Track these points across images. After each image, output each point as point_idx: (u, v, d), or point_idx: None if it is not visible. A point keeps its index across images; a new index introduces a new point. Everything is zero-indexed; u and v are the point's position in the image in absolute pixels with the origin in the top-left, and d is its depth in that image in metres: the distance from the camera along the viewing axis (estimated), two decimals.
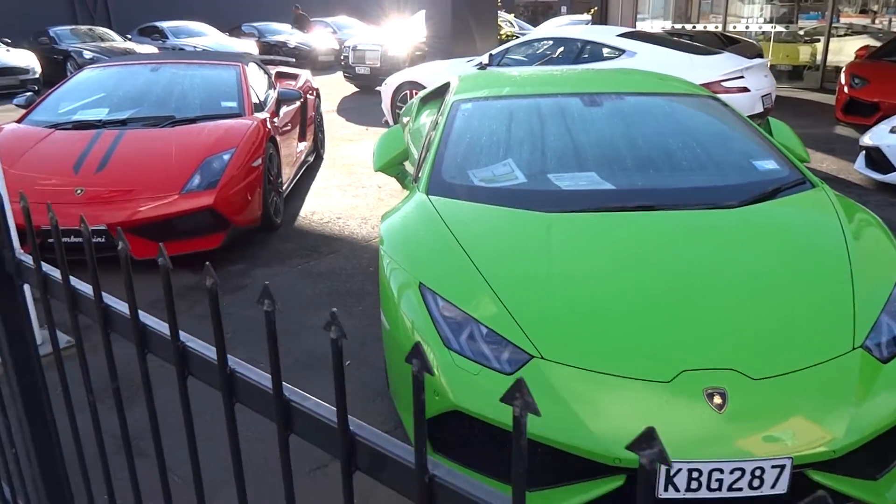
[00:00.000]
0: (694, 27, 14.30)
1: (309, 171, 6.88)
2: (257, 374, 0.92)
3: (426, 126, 4.67)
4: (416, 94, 7.81)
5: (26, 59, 13.54)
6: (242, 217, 4.58)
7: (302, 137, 6.61)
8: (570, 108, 3.56)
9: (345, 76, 12.99)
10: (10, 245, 1.39)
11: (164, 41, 16.56)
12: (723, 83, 6.89)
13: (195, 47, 15.62)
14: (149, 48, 15.52)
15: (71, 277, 1.22)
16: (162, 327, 1.05)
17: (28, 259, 1.37)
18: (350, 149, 7.95)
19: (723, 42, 10.90)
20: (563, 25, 15.51)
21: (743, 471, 1.87)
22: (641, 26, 14.41)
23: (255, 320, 3.71)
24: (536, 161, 3.24)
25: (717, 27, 13.78)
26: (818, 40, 12.48)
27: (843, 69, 8.45)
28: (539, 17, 27.35)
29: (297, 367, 3.22)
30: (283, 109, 5.92)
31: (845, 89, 8.09)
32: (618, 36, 7.90)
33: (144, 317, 1.08)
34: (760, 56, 9.75)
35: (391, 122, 9.01)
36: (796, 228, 2.79)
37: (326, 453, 0.88)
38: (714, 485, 1.89)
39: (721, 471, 1.87)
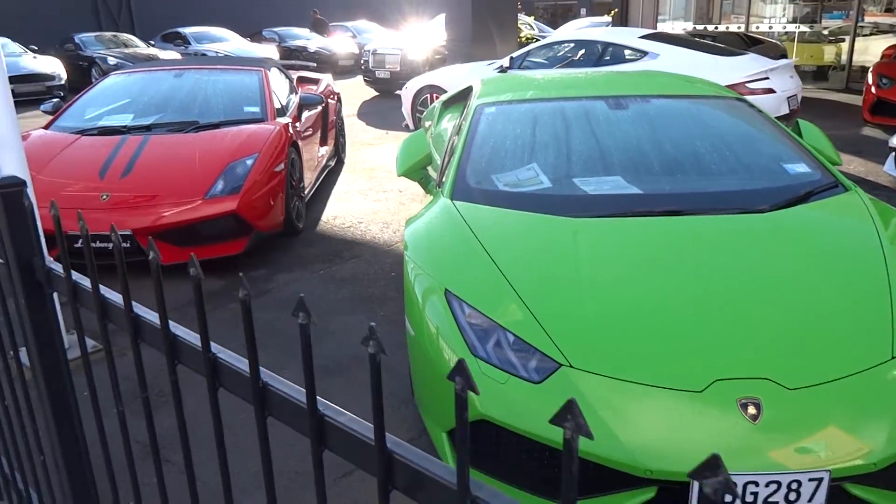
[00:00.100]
0: (716, 28, 14.14)
1: (330, 176, 6.90)
2: (290, 387, 0.90)
3: (448, 130, 4.65)
4: (437, 97, 7.80)
5: (52, 66, 13.73)
6: (265, 222, 4.59)
7: (323, 142, 6.62)
8: (595, 111, 3.52)
9: (365, 80, 13.02)
10: (40, 253, 1.39)
11: (187, 47, 16.74)
12: (747, 84, 6.78)
13: (217, 53, 15.77)
14: (172, 54, 15.71)
15: (101, 286, 1.21)
16: (192, 338, 1.04)
17: (57, 267, 1.36)
18: (371, 153, 7.95)
19: (746, 43, 10.75)
20: (584, 28, 15.42)
21: (779, 484, 1.82)
22: (662, 27, 14.29)
23: (277, 326, 3.71)
24: (561, 165, 3.20)
25: (739, 27, 13.62)
26: (843, 40, 12.29)
27: (871, 69, 8.32)
28: (559, 20, 27.23)
29: (320, 373, 3.21)
30: (305, 114, 5.93)
31: (873, 90, 7.97)
32: (640, 38, 7.82)
33: (175, 327, 1.06)
34: (784, 56, 9.60)
35: (411, 125, 9.01)
36: (830, 233, 2.72)
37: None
38: (749, 498, 1.84)
39: (756, 483, 1.82)
